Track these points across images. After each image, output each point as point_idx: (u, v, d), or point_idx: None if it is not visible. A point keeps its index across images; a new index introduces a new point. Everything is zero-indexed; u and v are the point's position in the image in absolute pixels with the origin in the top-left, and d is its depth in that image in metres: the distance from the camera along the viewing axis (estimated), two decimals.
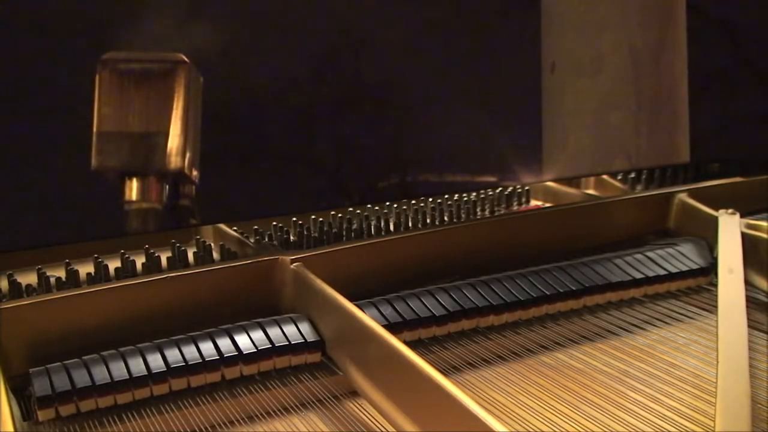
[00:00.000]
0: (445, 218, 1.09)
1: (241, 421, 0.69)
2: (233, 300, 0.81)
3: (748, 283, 0.88)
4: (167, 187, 1.05)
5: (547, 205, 1.22)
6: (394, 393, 0.64)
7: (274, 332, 0.74)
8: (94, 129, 1.02)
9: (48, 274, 0.85)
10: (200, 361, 0.70)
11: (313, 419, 0.69)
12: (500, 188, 1.20)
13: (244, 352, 0.72)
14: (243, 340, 0.73)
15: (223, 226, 1.01)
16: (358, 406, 0.70)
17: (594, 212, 1.05)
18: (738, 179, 1.18)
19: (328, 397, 0.71)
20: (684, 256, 0.95)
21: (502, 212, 1.17)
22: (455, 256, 0.93)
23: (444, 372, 0.73)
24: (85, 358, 0.69)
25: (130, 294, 0.77)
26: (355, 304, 0.74)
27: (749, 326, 0.77)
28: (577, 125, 1.64)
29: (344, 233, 1.00)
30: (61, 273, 0.86)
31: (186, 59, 1.04)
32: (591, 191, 1.27)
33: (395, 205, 1.10)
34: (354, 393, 0.71)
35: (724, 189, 1.15)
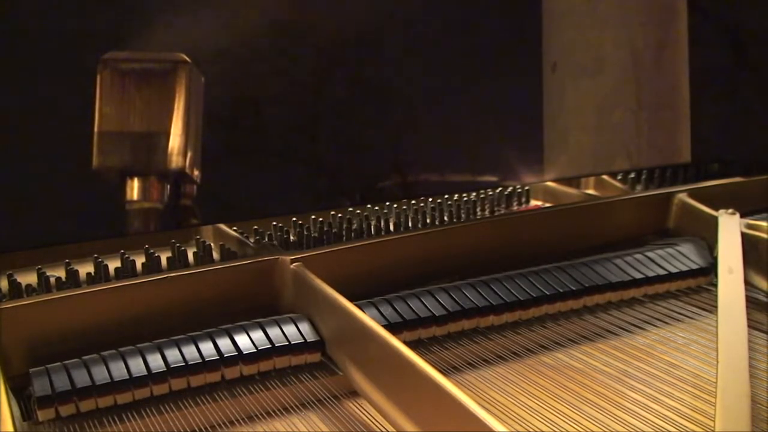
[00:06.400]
0: (445, 218, 1.09)
1: (241, 421, 0.69)
2: (233, 300, 0.81)
3: (748, 283, 0.88)
4: (168, 187, 1.04)
5: (547, 205, 1.22)
6: (394, 393, 0.64)
7: (274, 332, 0.74)
8: (95, 129, 1.02)
9: (48, 274, 0.85)
10: (200, 361, 0.70)
11: (313, 419, 0.69)
12: (500, 188, 1.20)
13: (244, 352, 0.72)
14: (243, 340, 0.73)
15: (223, 226, 1.01)
16: (358, 406, 0.70)
17: (594, 212, 1.05)
18: (738, 179, 1.18)
19: (328, 397, 0.71)
20: (684, 256, 0.95)
21: (502, 212, 1.17)
22: (455, 256, 0.93)
23: (444, 372, 0.73)
24: (85, 358, 0.69)
25: (130, 294, 0.77)
26: (355, 304, 0.74)
27: (749, 326, 0.77)
28: (577, 125, 1.63)
29: (344, 233, 1.00)
30: (61, 273, 0.86)
31: (187, 59, 1.04)
32: (591, 191, 1.27)
33: (395, 205, 1.10)
34: (354, 393, 0.71)
35: (724, 189, 1.14)
